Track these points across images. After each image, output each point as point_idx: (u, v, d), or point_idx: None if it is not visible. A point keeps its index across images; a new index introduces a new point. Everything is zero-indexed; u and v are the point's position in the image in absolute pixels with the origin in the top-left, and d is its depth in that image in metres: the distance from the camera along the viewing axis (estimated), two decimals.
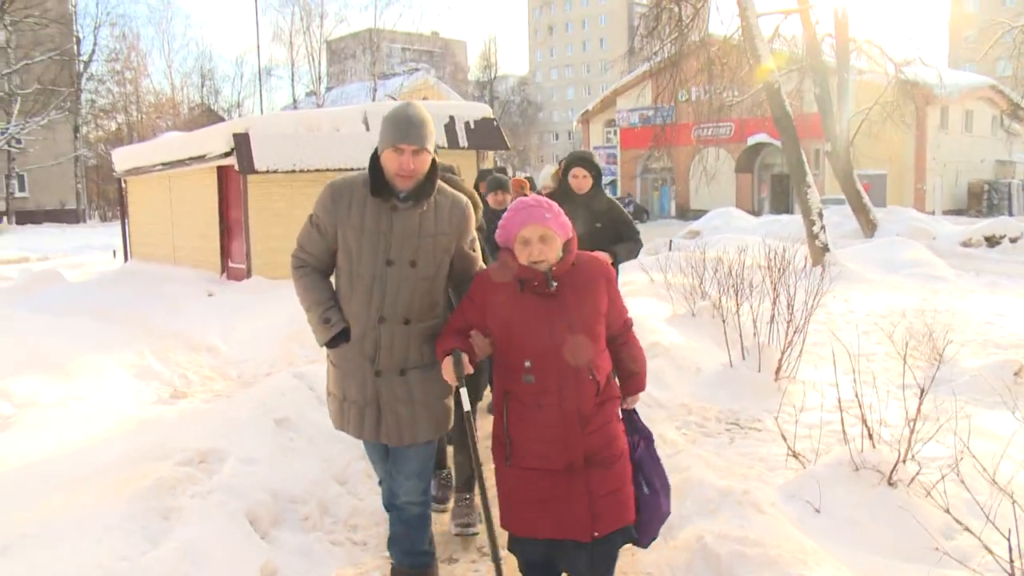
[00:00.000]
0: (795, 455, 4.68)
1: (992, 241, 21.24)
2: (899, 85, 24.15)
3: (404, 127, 3.10)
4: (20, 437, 5.37)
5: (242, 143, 13.56)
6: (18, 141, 43.55)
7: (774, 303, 7.28)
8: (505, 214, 3.10)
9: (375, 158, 3.17)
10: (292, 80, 59.22)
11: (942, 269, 16.03)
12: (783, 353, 6.83)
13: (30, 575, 2.88)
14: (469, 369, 3.04)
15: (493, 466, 3.14)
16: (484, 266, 3.40)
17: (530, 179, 8.99)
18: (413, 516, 3.34)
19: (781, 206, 38.67)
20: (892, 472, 4.17)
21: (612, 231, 5.48)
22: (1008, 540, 2.96)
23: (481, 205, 4.48)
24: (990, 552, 3.14)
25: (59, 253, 25.87)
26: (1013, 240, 21.02)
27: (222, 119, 57.04)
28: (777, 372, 6.81)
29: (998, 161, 41.23)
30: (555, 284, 3.01)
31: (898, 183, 36.85)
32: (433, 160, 3.20)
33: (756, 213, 34.40)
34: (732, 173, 41.25)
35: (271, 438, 4.29)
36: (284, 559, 3.43)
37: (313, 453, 4.42)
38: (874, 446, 4.38)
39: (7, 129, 41.10)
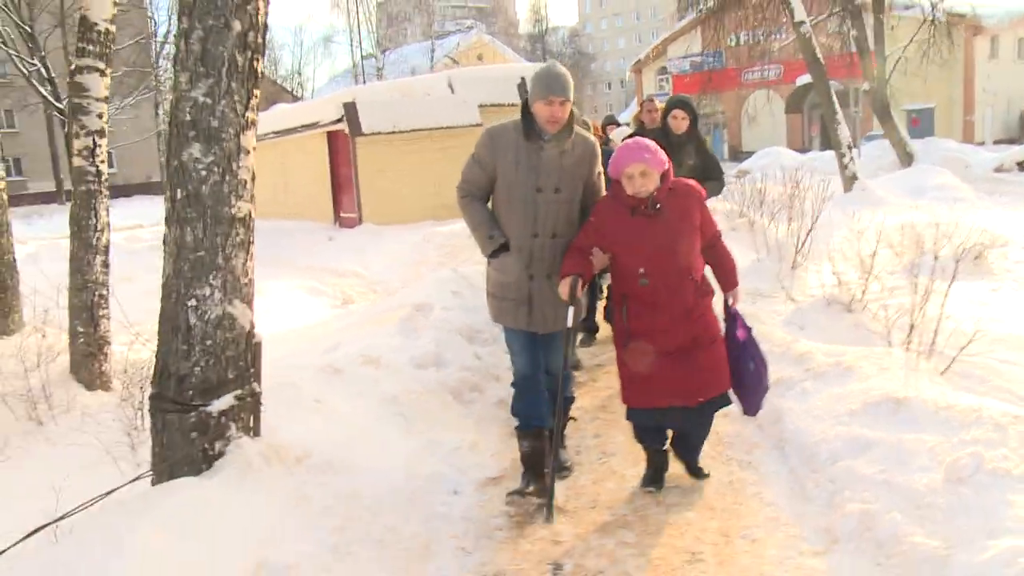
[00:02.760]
0: (792, 299, 7.10)
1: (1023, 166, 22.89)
2: (938, 22, 25.54)
3: (553, 83, 3.75)
4: (276, 317, 8.05)
5: (351, 110, 16.20)
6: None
7: (790, 214, 9.60)
8: (615, 153, 3.84)
9: (526, 108, 3.86)
10: (351, 45, 60.98)
11: (965, 192, 17.90)
12: (796, 250, 9.16)
13: (355, 342, 5.48)
14: (579, 292, 3.76)
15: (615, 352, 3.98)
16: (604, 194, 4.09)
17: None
18: (564, 379, 4.05)
19: (830, 143, 39.91)
20: (850, 303, 6.57)
21: (701, 169, 6.03)
22: (886, 321, 5.39)
23: None
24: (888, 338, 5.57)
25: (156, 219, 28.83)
26: None
27: (283, 88, 59.59)
28: (793, 263, 9.15)
29: None
30: (658, 206, 3.73)
31: (946, 116, 37.58)
32: (571, 109, 3.84)
33: (806, 151, 35.80)
34: (782, 114, 42.69)
35: (454, 299, 6.82)
36: (484, 352, 5.96)
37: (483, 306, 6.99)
38: (840, 288, 6.77)
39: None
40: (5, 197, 6.23)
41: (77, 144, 5.27)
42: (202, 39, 2.91)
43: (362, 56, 60.65)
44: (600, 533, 3.62)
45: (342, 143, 17.19)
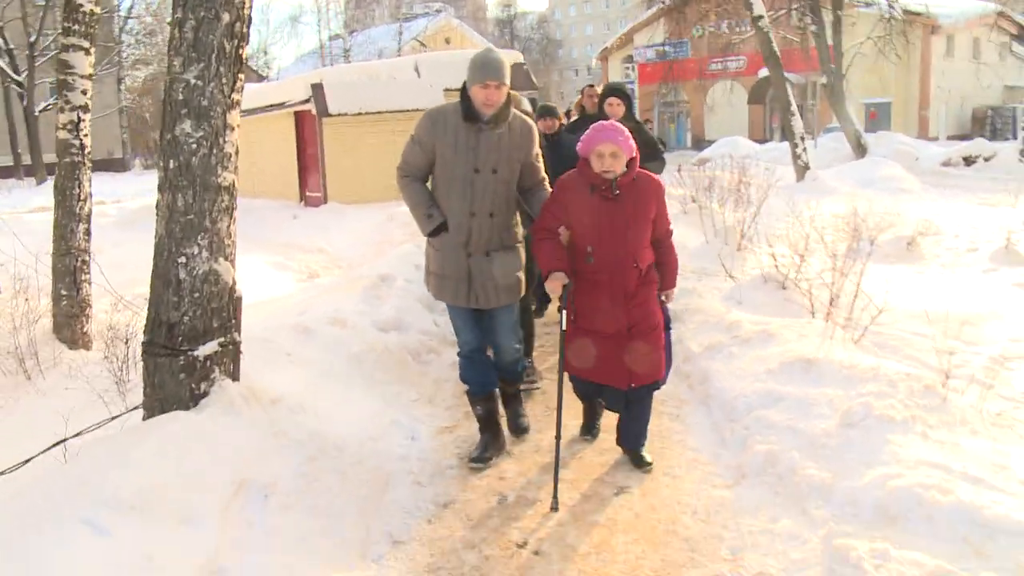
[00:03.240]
0: (731, 277, 7.64)
1: (968, 160, 23.77)
2: (895, 19, 26.34)
3: (489, 67, 3.87)
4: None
5: (318, 91, 16.47)
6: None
7: (736, 199, 10.15)
8: (587, 132, 3.95)
9: (464, 92, 3.95)
10: (318, 25, 60.55)
11: (911, 184, 18.66)
12: (741, 234, 9.71)
13: (323, 307, 5.90)
14: (567, 280, 3.88)
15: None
16: (545, 175, 4.26)
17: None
18: (513, 359, 4.37)
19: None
20: (783, 281, 7.11)
21: (640, 151, 7.13)
22: (809, 296, 5.93)
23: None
24: (812, 310, 6.11)
25: (128, 196, 28.64)
26: (987, 159, 23.58)
27: (249, 67, 59.08)
28: (738, 246, 9.70)
29: (1006, 87, 42.65)
30: (618, 191, 3.86)
31: (903, 110, 38.60)
32: (508, 92, 3.96)
33: (766, 141, 36.53)
34: (745, 105, 43.49)
35: (416, 272, 7.24)
36: (442, 320, 6.40)
37: None
38: (776, 268, 7.31)
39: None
40: None
41: (62, 118, 5.62)
42: (194, 28, 3.31)
43: (329, 36, 60.32)
44: (541, 471, 4.11)
45: (309, 123, 17.45)
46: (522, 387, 4.84)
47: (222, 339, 3.55)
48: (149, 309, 3.52)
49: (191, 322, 3.45)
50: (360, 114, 16.75)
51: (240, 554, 2.77)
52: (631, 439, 4.20)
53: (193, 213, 3.42)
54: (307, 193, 18.22)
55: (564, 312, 3.93)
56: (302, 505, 3.18)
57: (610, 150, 3.83)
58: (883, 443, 3.68)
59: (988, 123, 39.86)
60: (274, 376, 4.14)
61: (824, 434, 3.91)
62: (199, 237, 3.44)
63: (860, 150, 24.66)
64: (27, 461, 3.02)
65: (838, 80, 24.39)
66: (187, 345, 3.44)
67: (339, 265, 11.59)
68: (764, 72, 40.92)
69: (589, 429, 4.52)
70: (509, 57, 19.17)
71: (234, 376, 3.65)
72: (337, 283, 7.91)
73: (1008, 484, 3.35)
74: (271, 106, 18.30)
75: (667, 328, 4.16)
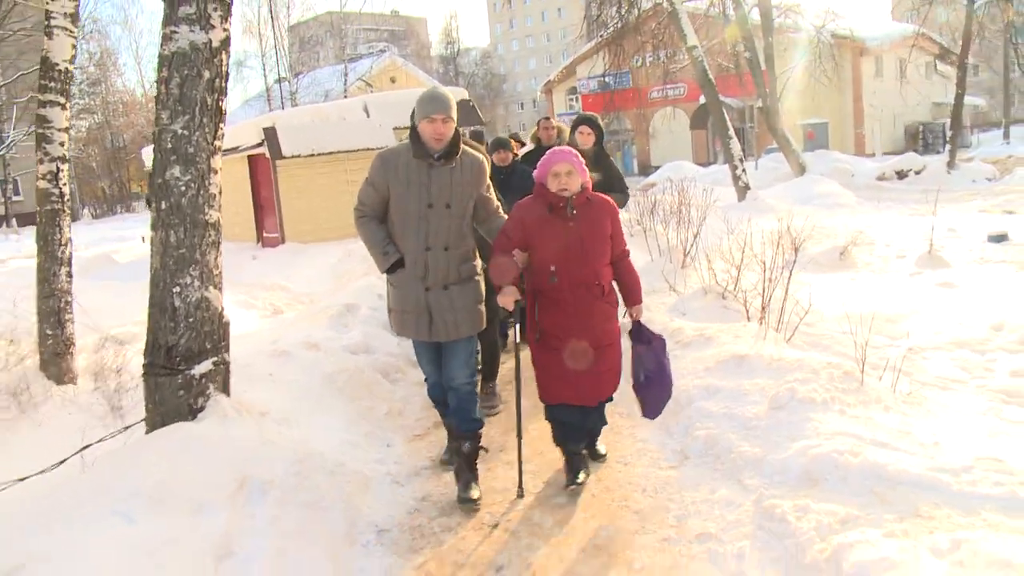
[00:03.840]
0: (675, 291, 8.18)
1: (901, 174, 24.92)
2: (823, 44, 27.60)
3: (435, 102, 3.97)
4: None
5: (271, 135, 16.86)
6: (9, 148, 45.20)
7: (678, 220, 10.75)
8: (543, 156, 4.10)
9: (414, 130, 4.03)
10: (264, 70, 60.80)
11: (847, 199, 19.58)
12: (685, 251, 10.29)
13: (295, 334, 6.30)
14: (518, 295, 4.02)
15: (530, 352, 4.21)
16: (499, 204, 4.32)
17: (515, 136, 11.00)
18: (466, 393, 4.26)
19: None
20: (723, 292, 7.66)
21: (607, 183, 6.15)
22: (744, 303, 6.47)
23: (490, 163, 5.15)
24: (747, 316, 6.65)
25: (81, 246, 28.64)
26: (917, 172, 24.76)
27: None
28: (683, 263, 10.27)
29: (934, 103, 44.54)
30: (574, 211, 4.00)
31: (840, 129, 40.14)
32: (456, 128, 4.05)
33: (710, 164, 37.59)
34: (687, 130, 44.76)
35: (379, 300, 7.66)
36: (407, 344, 6.81)
37: None
38: (716, 281, 7.87)
39: (7, 139, 43.19)
40: None
41: (42, 169, 5.98)
42: (179, 84, 3.75)
43: (275, 80, 60.52)
44: (506, 467, 4.55)
45: (263, 166, 17.81)
46: (483, 413, 4.77)
47: (215, 359, 3.95)
48: (148, 334, 3.90)
49: (187, 344, 3.85)
50: (312, 155, 17.16)
51: (246, 539, 3.17)
52: (589, 433, 4.50)
53: (185, 247, 3.83)
54: (264, 234, 18.53)
55: (517, 326, 4.18)
56: (296, 500, 3.58)
57: (566, 169, 3.98)
58: (806, 421, 4.19)
59: (920, 138, 41.44)
60: (259, 394, 4.55)
61: (755, 417, 4.41)
62: (191, 268, 3.85)
63: (800, 169, 25.65)
64: (59, 463, 3.39)
65: (773, 103, 25.43)
66: (184, 365, 3.83)
67: (301, 301, 11.92)
68: (704, 98, 42.47)
69: (572, 479, 4.27)
70: (455, 93, 19.75)
71: (226, 392, 4.04)
72: (303, 315, 8.29)
73: (910, 446, 3.87)
74: (225, 151, 18.62)
75: (653, 346, 4.24)
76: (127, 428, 3.89)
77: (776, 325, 6.24)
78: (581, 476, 4.25)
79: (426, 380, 4.48)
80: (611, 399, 4.42)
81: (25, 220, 46.39)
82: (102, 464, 3.29)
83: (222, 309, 4.03)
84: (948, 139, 26.29)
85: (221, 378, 4.01)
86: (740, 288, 7.56)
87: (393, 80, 54.81)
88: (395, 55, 62.23)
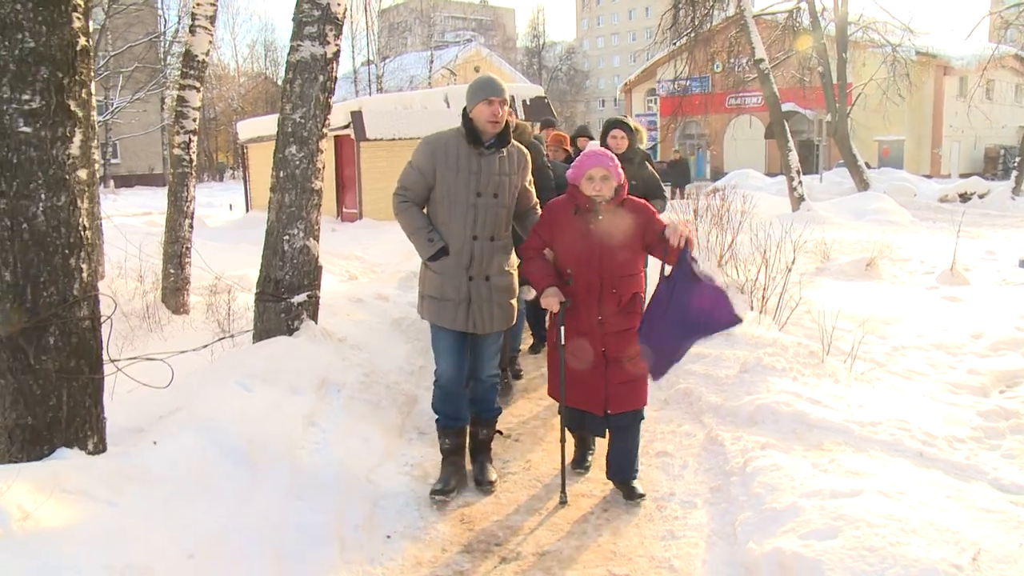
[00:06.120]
0: None
1: (964, 197, 25.26)
2: (902, 60, 27.89)
3: (492, 86, 3.98)
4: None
5: (357, 118, 18.35)
6: (113, 114, 47.75)
7: (719, 224, 11.76)
8: (579, 157, 3.99)
9: (466, 115, 4.01)
10: (353, 52, 62.46)
11: (900, 216, 20.18)
12: (720, 254, 11.31)
13: (369, 288, 7.56)
14: (562, 296, 3.91)
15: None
16: (537, 202, 4.32)
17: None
18: (491, 385, 4.32)
19: (807, 168, 42.26)
20: (742, 287, 8.70)
21: (642, 188, 6.02)
22: (750, 294, 7.53)
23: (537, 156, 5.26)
24: (751, 302, 7.69)
25: None
26: (981, 196, 25.06)
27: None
28: (719, 262, 11.29)
29: (1021, 127, 43.95)
30: (600, 217, 3.88)
31: (916, 148, 39.92)
32: (508, 117, 4.02)
33: (780, 175, 37.91)
34: (762, 139, 45.12)
35: None
36: None
37: None
38: (740, 277, 8.90)
39: (112, 105, 45.76)
40: (97, 175, 8.30)
41: (177, 139, 7.39)
42: (301, 85, 5.04)
43: (362, 63, 62.27)
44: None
45: (347, 147, 19.32)
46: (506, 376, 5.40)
47: (309, 293, 5.24)
48: (261, 271, 5.21)
49: (290, 279, 5.14)
50: (395, 140, 18.58)
51: (325, 417, 4.44)
52: (617, 470, 4.20)
53: (295, 207, 5.12)
54: (344, 209, 20.06)
55: (561, 328, 4.05)
56: (361, 399, 4.84)
57: (601, 174, 3.89)
58: (763, 382, 5.29)
59: (1000, 162, 40.87)
60: (339, 326, 5.83)
61: (726, 377, 5.52)
62: (298, 223, 5.14)
63: (863, 184, 26.17)
64: (204, 346, 4.72)
65: (843, 118, 26.01)
66: (287, 294, 5.12)
67: (374, 270, 13.27)
68: (783, 108, 42.68)
69: (580, 462, 4.50)
70: (531, 90, 21.04)
71: (315, 319, 5.33)
72: (375, 280, 9.61)
73: (838, 406, 4.95)
74: None
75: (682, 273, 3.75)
76: (238, 335, 5.20)
77: (773, 314, 7.28)
78: (588, 460, 4.47)
79: (436, 382, 4.26)
80: (641, 417, 4.21)
81: (121, 182, 49.01)
82: (225, 356, 4.61)
83: (318, 256, 5.31)
84: (1016, 164, 26.44)
85: (312, 308, 5.30)
86: (757, 284, 8.59)
87: (477, 70, 55.91)
88: (480, 45, 63.36)
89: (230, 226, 21.49)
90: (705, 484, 4.27)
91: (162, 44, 51.97)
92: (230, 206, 27.90)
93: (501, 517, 4.00)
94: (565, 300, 3.94)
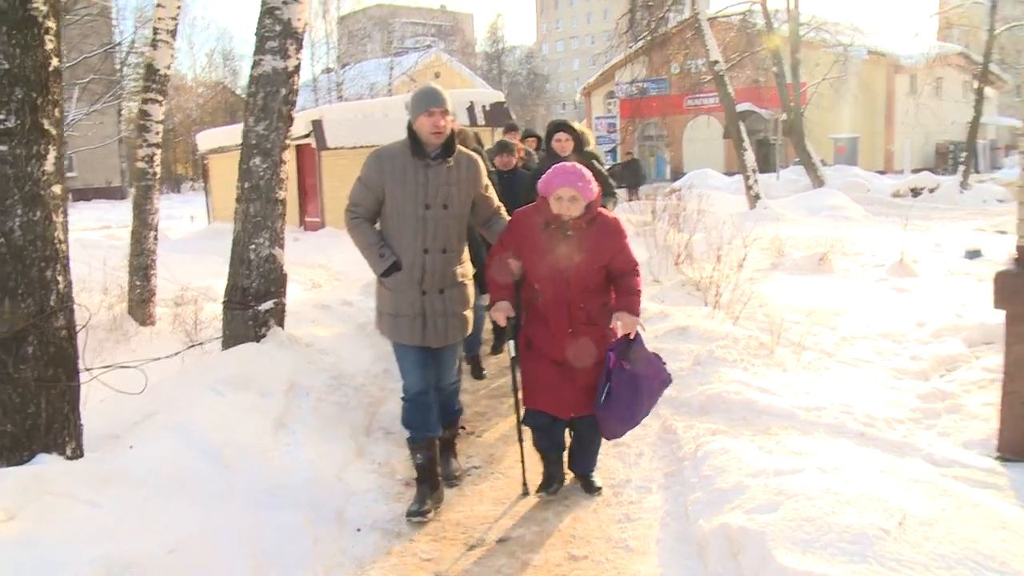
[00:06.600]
0: (657, 281, 9.52)
1: (915, 192, 25.92)
2: (853, 60, 28.55)
3: (431, 97, 3.89)
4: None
5: (318, 127, 18.44)
6: (69, 127, 47.07)
7: (676, 224, 12.06)
8: (548, 172, 3.93)
9: (410, 127, 3.93)
10: (312, 59, 62.04)
11: (854, 212, 20.70)
12: (678, 251, 11.60)
13: (334, 294, 7.72)
14: (511, 312, 3.99)
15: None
16: (501, 205, 4.29)
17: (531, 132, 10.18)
18: (452, 392, 4.45)
19: (764, 167, 42.96)
20: (698, 284, 8.98)
21: None
22: (704, 291, 7.81)
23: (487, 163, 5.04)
24: (705, 298, 7.96)
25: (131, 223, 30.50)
26: (931, 191, 25.73)
27: (244, 100, 60.57)
28: (676, 261, 11.58)
29: (968, 123, 45.00)
30: (569, 234, 3.85)
31: (870, 145, 40.75)
32: (452, 127, 3.94)
33: (736, 174, 38.49)
34: (720, 139, 45.75)
35: None
36: None
37: None
38: (694, 274, 9.18)
39: (68, 118, 45.12)
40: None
41: (140, 153, 7.50)
42: (263, 98, 5.20)
43: (322, 70, 61.94)
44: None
45: (309, 156, 19.39)
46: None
47: (275, 300, 5.40)
48: (228, 279, 5.36)
49: (257, 287, 5.30)
50: (356, 148, 18.68)
51: (295, 419, 4.60)
52: (579, 464, 4.37)
53: (260, 216, 5.29)
54: (306, 218, 20.10)
55: (511, 342, 4.14)
56: (329, 401, 5.01)
57: (569, 194, 3.83)
58: (715, 373, 5.53)
59: (951, 157, 41.80)
60: (305, 331, 5.99)
61: (680, 370, 5.75)
62: (263, 232, 5.30)
63: (818, 181, 26.72)
64: (175, 353, 4.86)
65: (797, 117, 26.56)
66: (254, 302, 5.28)
67: (338, 278, 13.39)
68: (739, 108, 43.38)
69: (546, 486, 4.32)
70: (491, 96, 21.25)
71: (281, 325, 5.50)
72: (339, 287, 9.75)
73: (785, 393, 5.21)
74: None
75: (632, 375, 3.95)
76: (207, 343, 5.35)
77: (727, 308, 7.55)
78: (554, 486, 4.27)
79: (403, 396, 4.21)
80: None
81: (78, 195, 48.23)
82: (196, 363, 4.76)
83: (283, 264, 5.47)
84: (963, 160, 27.19)
85: (279, 315, 5.46)
86: (712, 281, 8.88)
87: (437, 75, 55.91)
88: (440, 51, 63.28)
89: (192, 237, 21.42)
90: (660, 470, 4.51)
91: (118, 55, 51.51)
92: (191, 218, 27.77)
93: (466, 508, 4.21)
94: (513, 316, 4.01)
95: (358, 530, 3.87)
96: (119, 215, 34.20)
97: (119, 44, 50.76)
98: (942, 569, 2.83)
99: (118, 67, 50.02)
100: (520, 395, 4.23)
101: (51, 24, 3.35)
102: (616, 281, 4.03)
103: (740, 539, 3.26)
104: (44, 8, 3.32)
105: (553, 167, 4.01)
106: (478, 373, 6.50)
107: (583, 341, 3.97)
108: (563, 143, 6.15)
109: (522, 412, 4.24)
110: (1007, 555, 2.92)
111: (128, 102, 58.10)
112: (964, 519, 3.18)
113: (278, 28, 5.22)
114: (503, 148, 6.78)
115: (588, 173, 3.94)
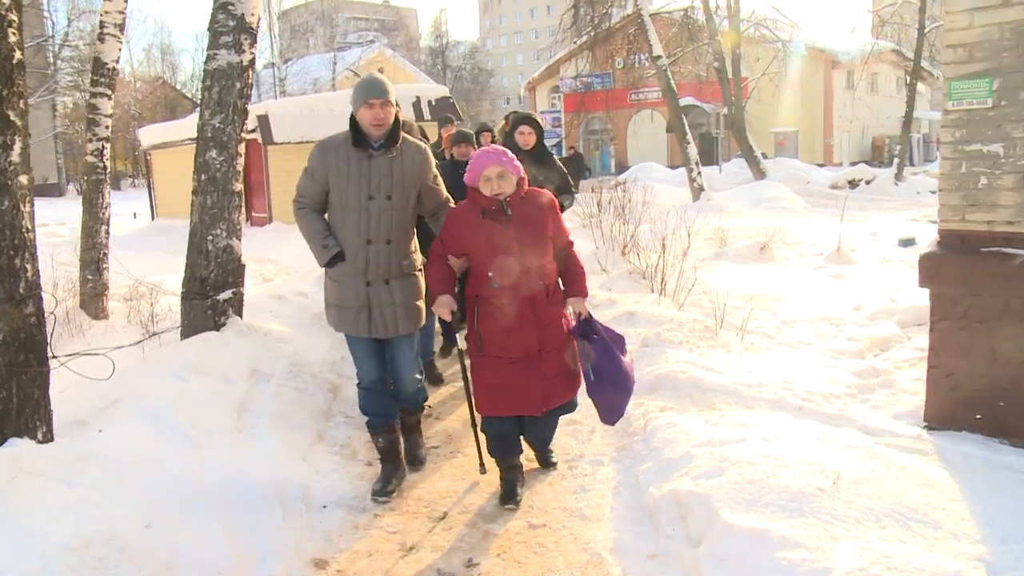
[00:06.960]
0: (604, 270, 9.76)
1: (853, 183, 26.68)
2: (793, 55, 29.28)
3: (372, 87, 3.88)
4: None
5: (264, 122, 18.36)
6: None
7: (622, 216, 12.33)
8: (472, 158, 3.88)
9: (353, 119, 3.91)
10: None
11: (793, 202, 21.27)
12: (624, 242, 11.87)
13: (288, 286, 7.81)
14: (454, 306, 3.89)
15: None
16: (450, 197, 4.21)
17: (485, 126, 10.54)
18: (414, 390, 4.35)
19: (707, 160, 43.70)
20: (643, 272, 9.24)
21: (553, 184, 5.94)
22: (651, 279, 8.07)
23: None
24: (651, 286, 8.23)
25: (72, 219, 29.86)
26: (868, 182, 26.52)
27: (183, 95, 59.72)
28: (623, 251, 11.85)
29: (902, 118, 46.36)
30: (510, 212, 3.78)
31: (810, 138, 41.69)
32: (396, 116, 3.92)
33: (679, 167, 39.13)
34: (664, 133, 46.40)
35: None
36: None
37: None
38: (640, 264, 9.44)
39: None
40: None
41: (90, 147, 7.48)
42: (219, 92, 5.29)
43: (264, 65, 61.13)
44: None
45: (255, 151, 19.27)
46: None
47: (234, 289, 5.49)
48: (186, 271, 5.44)
49: (215, 277, 5.38)
50: (302, 142, 18.64)
51: (257, 404, 4.72)
52: (536, 442, 4.44)
53: (217, 208, 5.37)
54: (253, 214, 19.98)
55: (460, 334, 4.03)
56: (290, 387, 5.13)
57: (497, 172, 3.79)
58: (662, 354, 5.77)
59: (886, 150, 42.98)
60: (263, 321, 6.08)
61: (629, 352, 5.98)
62: (220, 223, 5.38)
63: (760, 174, 27.37)
64: (137, 343, 4.93)
65: (739, 111, 27.15)
66: (212, 292, 5.36)
67: (288, 272, 13.40)
68: (682, 102, 44.01)
69: (509, 496, 4.12)
70: (436, 90, 21.36)
71: (240, 315, 5.59)
72: (291, 280, 9.81)
73: (729, 371, 5.47)
74: None
75: (605, 343, 4.01)
76: (163, 334, 5.41)
77: (672, 295, 7.81)
78: (518, 496, 4.11)
79: (359, 384, 4.31)
80: (573, 407, 4.28)
81: None
82: (158, 352, 4.84)
83: (240, 254, 5.56)
84: (897, 153, 28.05)
85: (237, 304, 5.55)
86: (658, 269, 9.14)
87: (381, 71, 54.81)
88: (384, 46, 62.89)
89: (137, 234, 21.13)
90: (611, 445, 4.73)
91: (51, 48, 50.20)
92: (134, 214, 27.32)
93: (428, 484, 4.38)
94: (456, 311, 3.94)
95: (324, 507, 4.02)
96: (57, 212, 33.40)
97: (52, 37, 49.69)
98: (871, 521, 3.09)
99: (51, 61, 48.90)
100: (471, 387, 4.10)
101: (13, 17, 3.41)
102: (560, 262, 4.02)
103: (688, 503, 3.49)
104: (7, 1, 3.39)
105: (476, 152, 4.00)
106: (435, 379, 6.23)
107: (548, 320, 3.90)
108: (526, 136, 6.08)
109: (475, 402, 4.11)
110: (928, 508, 3.19)
111: (62, 96, 57.12)
112: (892, 478, 3.45)
113: (231, 23, 5.31)
114: (462, 138, 6.57)
115: (509, 152, 3.92)
